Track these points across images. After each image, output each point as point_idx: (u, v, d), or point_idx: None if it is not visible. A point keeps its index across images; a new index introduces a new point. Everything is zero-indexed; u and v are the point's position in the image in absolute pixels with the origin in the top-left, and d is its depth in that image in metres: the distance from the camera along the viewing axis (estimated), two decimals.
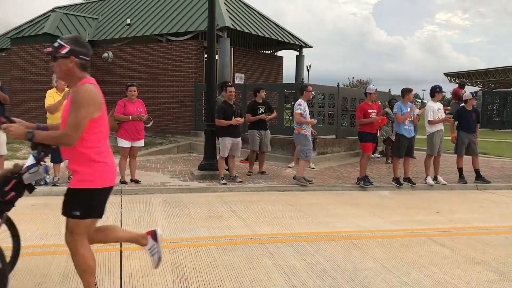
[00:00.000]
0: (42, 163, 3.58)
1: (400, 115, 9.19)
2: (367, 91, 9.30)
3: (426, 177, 9.71)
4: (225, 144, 8.97)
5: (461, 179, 9.89)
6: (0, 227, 3.66)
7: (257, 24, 17.10)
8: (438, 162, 9.86)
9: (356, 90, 16.21)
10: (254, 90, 10.20)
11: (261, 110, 9.93)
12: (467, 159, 10.06)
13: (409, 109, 9.23)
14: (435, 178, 9.82)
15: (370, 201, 8.14)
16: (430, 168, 9.74)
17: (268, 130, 10.13)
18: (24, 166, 3.58)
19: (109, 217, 6.44)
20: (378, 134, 9.79)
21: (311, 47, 19.07)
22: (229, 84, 9.75)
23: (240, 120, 9.12)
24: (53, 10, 19.83)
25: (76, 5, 22.61)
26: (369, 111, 9.09)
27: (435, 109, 9.57)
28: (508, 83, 53.62)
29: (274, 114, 10.34)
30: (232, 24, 14.99)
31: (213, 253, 5.05)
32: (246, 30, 15.76)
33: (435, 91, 9.73)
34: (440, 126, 9.62)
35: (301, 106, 9.13)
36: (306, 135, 9.15)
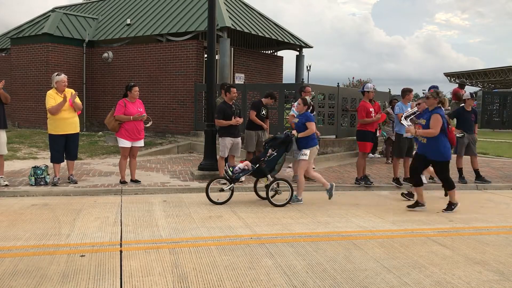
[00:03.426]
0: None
1: (401, 115, 9.18)
2: (365, 89, 9.32)
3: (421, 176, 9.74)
4: (225, 144, 8.97)
5: (461, 179, 9.89)
6: None
7: (257, 24, 17.10)
8: None
9: (356, 90, 16.21)
10: (267, 94, 9.98)
11: (263, 112, 9.92)
12: (466, 159, 10.06)
13: (409, 109, 9.23)
14: (431, 178, 9.84)
15: (370, 201, 8.14)
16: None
17: (265, 131, 10.11)
18: None
19: (109, 217, 6.45)
20: (377, 134, 9.78)
21: (311, 47, 19.07)
22: (231, 85, 9.73)
23: (240, 120, 9.13)
24: (53, 10, 19.83)
25: (76, 5, 22.62)
26: (370, 109, 9.12)
27: None
28: (508, 83, 53.67)
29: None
30: (232, 24, 14.99)
31: (213, 253, 5.05)
32: (246, 30, 15.76)
33: None
34: None
35: (294, 107, 9.35)
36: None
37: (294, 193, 7.68)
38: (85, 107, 17.29)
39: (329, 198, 7.82)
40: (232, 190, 7.61)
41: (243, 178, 7.60)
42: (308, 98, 8.11)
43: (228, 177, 7.55)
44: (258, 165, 7.56)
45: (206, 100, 11.23)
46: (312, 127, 7.68)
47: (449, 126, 7.52)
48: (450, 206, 7.42)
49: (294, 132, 7.73)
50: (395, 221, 6.74)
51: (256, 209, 7.22)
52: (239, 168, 7.57)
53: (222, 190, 7.53)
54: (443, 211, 7.35)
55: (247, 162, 7.72)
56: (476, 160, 9.99)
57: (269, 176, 7.56)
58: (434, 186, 9.59)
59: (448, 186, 7.47)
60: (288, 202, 7.52)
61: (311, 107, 7.95)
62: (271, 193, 7.57)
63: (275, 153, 7.58)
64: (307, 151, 7.71)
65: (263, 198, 7.71)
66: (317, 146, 7.94)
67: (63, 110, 8.15)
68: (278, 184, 7.77)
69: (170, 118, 15.62)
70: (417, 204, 7.46)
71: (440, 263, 4.95)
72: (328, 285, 4.26)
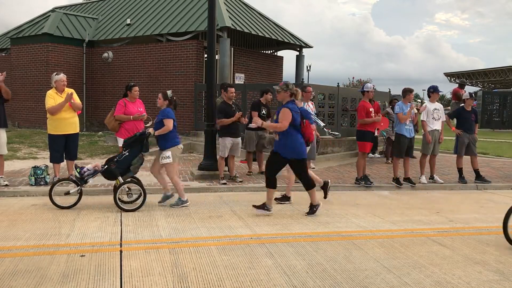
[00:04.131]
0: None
1: (401, 114, 9.19)
2: (364, 89, 9.34)
3: (420, 176, 9.77)
4: (225, 144, 8.98)
5: (461, 179, 9.89)
6: None
7: (257, 24, 17.11)
8: (433, 162, 9.90)
9: (356, 90, 16.25)
10: (262, 91, 10.08)
11: (263, 111, 9.90)
12: (467, 159, 10.06)
13: (409, 109, 9.24)
14: (431, 178, 9.87)
15: (370, 201, 8.14)
16: (425, 167, 9.79)
17: (267, 131, 10.08)
18: None
19: (109, 217, 6.45)
20: (376, 134, 9.80)
21: (311, 47, 19.08)
22: (229, 84, 9.76)
23: (245, 120, 9.18)
24: (53, 10, 19.84)
25: (76, 5, 22.62)
26: (370, 109, 9.14)
27: (431, 110, 9.60)
28: (508, 83, 53.70)
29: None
30: (232, 24, 15.00)
31: (213, 253, 5.05)
32: (246, 30, 15.76)
33: (429, 92, 9.89)
34: (436, 126, 9.64)
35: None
36: None
37: (176, 195, 7.23)
38: (85, 107, 17.30)
39: (159, 202, 7.29)
40: (80, 193, 7.01)
41: (90, 180, 7.02)
42: (169, 92, 7.33)
43: (75, 179, 6.99)
44: (106, 165, 6.95)
45: (206, 100, 11.23)
46: (168, 124, 7.03)
47: (304, 120, 6.85)
48: (312, 209, 6.87)
49: (150, 130, 7.14)
50: (395, 221, 6.74)
51: None
52: (88, 169, 6.99)
53: (67, 193, 6.98)
54: (306, 215, 6.82)
55: (97, 163, 7.20)
56: (476, 160, 10.00)
57: (120, 178, 6.93)
58: (434, 186, 9.61)
59: (306, 185, 6.87)
60: (140, 207, 6.91)
61: (173, 103, 7.29)
62: (124, 196, 7.11)
63: (127, 153, 7.02)
64: (168, 153, 7.08)
65: (126, 202, 7.06)
66: (179, 146, 7.29)
67: (63, 110, 8.14)
68: (141, 188, 7.07)
69: None
70: (264, 206, 6.80)
71: (440, 263, 4.95)
72: (328, 285, 4.26)
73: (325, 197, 7.52)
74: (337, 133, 9.49)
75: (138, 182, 7.16)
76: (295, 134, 6.63)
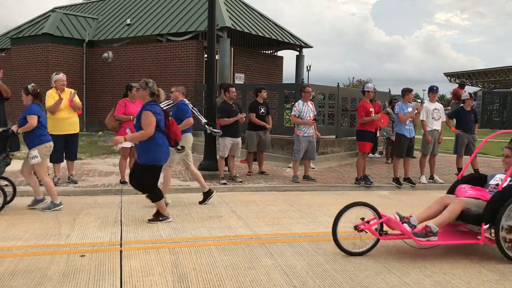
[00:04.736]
0: None
1: (402, 114, 9.20)
2: (365, 89, 9.35)
3: (420, 176, 9.78)
4: (225, 144, 8.97)
5: None
6: None
7: (257, 24, 17.11)
8: (433, 162, 9.91)
9: (356, 90, 16.25)
10: (256, 89, 10.19)
11: (262, 110, 9.91)
12: (466, 159, 10.05)
13: (410, 109, 9.25)
14: (431, 178, 9.87)
15: (370, 201, 8.09)
16: (425, 167, 9.80)
17: (267, 131, 10.08)
18: None
19: (109, 217, 6.45)
20: (378, 134, 9.80)
21: (311, 47, 19.08)
22: (230, 84, 9.78)
23: (244, 118, 9.20)
24: (53, 10, 19.84)
25: (76, 5, 22.63)
26: (370, 109, 9.15)
27: (430, 109, 9.62)
28: (508, 83, 53.77)
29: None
30: (232, 24, 15.00)
31: (213, 253, 5.05)
32: (246, 30, 15.77)
33: (428, 92, 9.93)
34: (435, 126, 9.64)
35: (296, 107, 9.45)
36: (300, 135, 9.37)
37: (50, 199, 6.80)
38: (85, 107, 17.30)
39: (28, 206, 6.78)
40: None
41: None
42: (30, 86, 6.83)
43: None
44: None
45: (206, 100, 11.22)
46: (32, 121, 6.49)
47: (169, 119, 6.40)
48: (157, 217, 6.25)
49: (14, 127, 6.70)
50: None
51: (256, 209, 7.22)
52: None
53: None
54: (148, 221, 6.20)
55: None
56: (476, 160, 10.00)
57: None
58: (434, 186, 9.61)
59: (153, 196, 6.26)
60: (2, 208, 6.45)
61: (38, 97, 6.79)
62: None
63: None
64: (35, 152, 6.55)
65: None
66: (47, 144, 6.74)
67: (62, 110, 8.14)
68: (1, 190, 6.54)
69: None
70: (159, 216, 6.26)
71: (440, 263, 4.95)
72: (328, 285, 4.26)
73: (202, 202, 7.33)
74: (218, 131, 9.18)
75: None
76: (157, 137, 6.02)
